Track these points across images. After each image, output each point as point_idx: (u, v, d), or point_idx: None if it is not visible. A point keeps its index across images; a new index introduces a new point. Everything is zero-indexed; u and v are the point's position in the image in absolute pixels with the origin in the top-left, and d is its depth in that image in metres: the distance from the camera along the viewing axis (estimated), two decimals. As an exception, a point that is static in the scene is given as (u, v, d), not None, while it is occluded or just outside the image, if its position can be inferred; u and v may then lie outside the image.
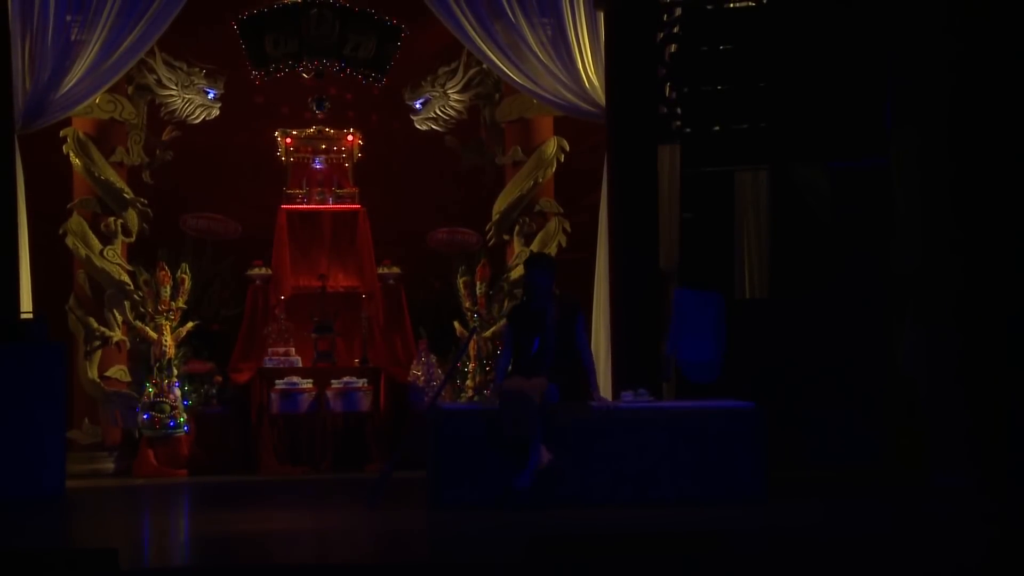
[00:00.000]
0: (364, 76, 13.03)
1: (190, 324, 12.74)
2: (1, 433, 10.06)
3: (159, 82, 13.23)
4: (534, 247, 13.26)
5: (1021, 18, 10.51)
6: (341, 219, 13.23)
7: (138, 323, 12.71)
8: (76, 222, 12.85)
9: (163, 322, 12.62)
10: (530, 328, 9.48)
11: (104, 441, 12.73)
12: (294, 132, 13.33)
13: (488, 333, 12.94)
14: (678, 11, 11.94)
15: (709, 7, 11.98)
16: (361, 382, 12.53)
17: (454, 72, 13.67)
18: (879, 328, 11.10)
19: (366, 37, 12.92)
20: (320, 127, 13.35)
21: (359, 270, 13.18)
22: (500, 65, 12.35)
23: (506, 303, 12.87)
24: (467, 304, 13.17)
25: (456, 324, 13.16)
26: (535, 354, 9.42)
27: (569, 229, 13.34)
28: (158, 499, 10.92)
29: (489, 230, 13.48)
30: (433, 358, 12.77)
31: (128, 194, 13.00)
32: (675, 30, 11.96)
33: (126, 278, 12.81)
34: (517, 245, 13.40)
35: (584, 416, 9.39)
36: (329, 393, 12.47)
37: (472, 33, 12.21)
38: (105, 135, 13.07)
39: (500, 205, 13.46)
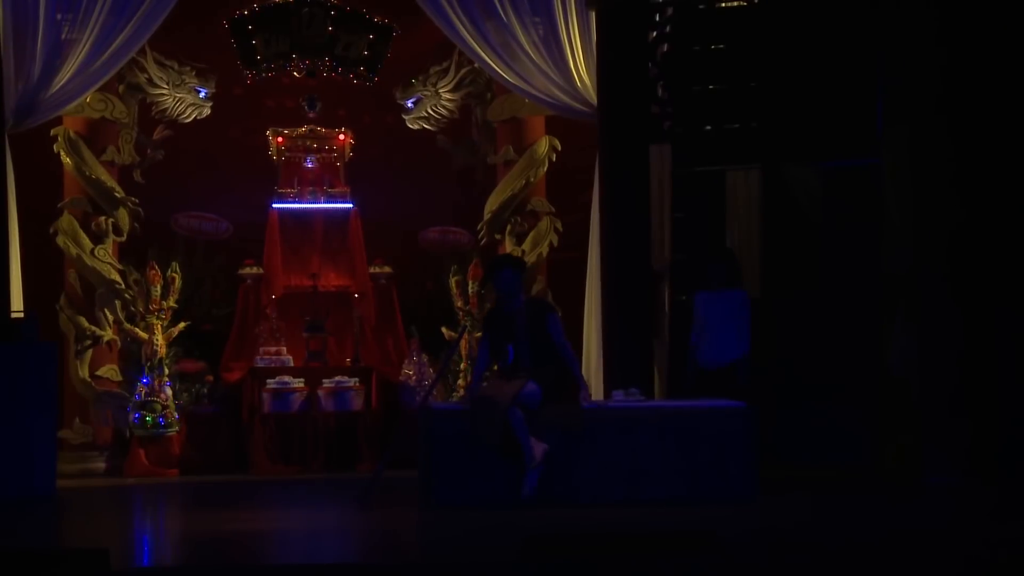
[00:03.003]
0: (355, 76, 13.02)
1: (182, 324, 12.72)
2: (-8, 433, 10.05)
3: (150, 81, 13.21)
4: (526, 246, 13.26)
5: (1011, 17, 10.52)
6: (333, 218, 13.20)
7: (128, 325, 12.69)
8: (67, 221, 12.82)
9: (154, 321, 12.60)
10: (505, 334, 9.49)
11: (95, 441, 12.71)
12: (285, 131, 13.30)
13: (479, 333, 12.92)
14: (670, 11, 11.95)
15: (701, 7, 12.00)
16: (353, 381, 12.51)
17: (446, 71, 13.65)
18: (871, 327, 11.11)
19: (357, 36, 12.91)
20: (312, 126, 13.32)
21: (351, 269, 13.16)
22: (492, 64, 12.36)
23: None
24: (459, 303, 13.16)
25: (444, 330, 13.12)
26: (512, 362, 9.43)
27: (561, 228, 13.34)
28: (149, 499, 10.92)
29: (481, 229, 13.47)
30: (425, 357, 12.76)
31: (119, 193, 12.97)
32: (667, 30, 11.97)
33: (117, 277, 12.79)
34: (509, 244, 13.39)
35: (575, 417, 9.39)
36: (321, 392, 12.45)
37: (464, 32, 12.22)
38: (96, 134, 13.04)
39: (492, 204, 13.45)
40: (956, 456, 10.34)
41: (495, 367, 9.99)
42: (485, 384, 9.65)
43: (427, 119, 13.72)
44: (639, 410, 9.65)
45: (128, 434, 12.39)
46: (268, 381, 12.41)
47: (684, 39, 11.96)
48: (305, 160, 13.29)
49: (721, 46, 11.90)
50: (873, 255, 11.09)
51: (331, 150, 13.35)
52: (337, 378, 12.51)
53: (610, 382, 11.25)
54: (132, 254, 12.96)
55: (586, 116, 12.19)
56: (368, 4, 13.04)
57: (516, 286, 9.55)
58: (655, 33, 11.97)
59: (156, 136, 13.39)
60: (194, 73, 13.27)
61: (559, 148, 13.36)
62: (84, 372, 12.75)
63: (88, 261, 12.78)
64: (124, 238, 13.01)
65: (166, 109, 13.33)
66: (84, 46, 11.83)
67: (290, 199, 13.19)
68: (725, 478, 9.44)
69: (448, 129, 13.79)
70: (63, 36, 11.87)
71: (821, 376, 11.47)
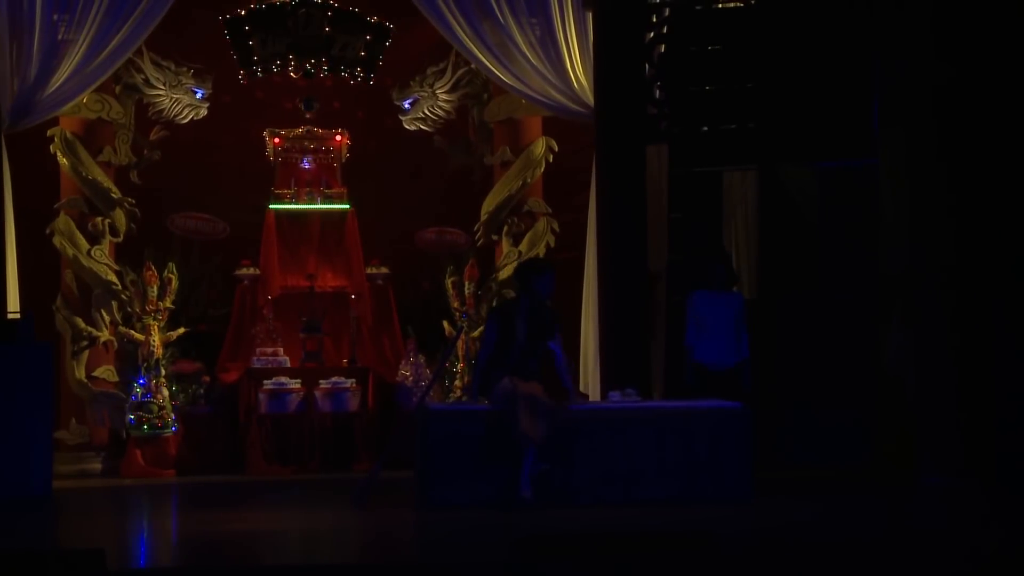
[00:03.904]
0: (352, 76, 13.03)
1: (181, 329, 12.72)
2: (-11, 433, 10.04)
3: (147, 81, 13.21)
4: (523, 247, 13.26)
5: (1007, 19, 10.53)
6: (329, 219, 13.21)
7: (123, 328, 12.69)
8: (63, 222, 12.82)
9: (150, 322, 12.59)
10: (537, 331, 9.44)
11: (91, 441, 12.70)
12: (282, 132, 13.31)
13: (476, 333, 12.93)
14: (667, 11, 11.95)
15: (698, 8, 12.00)
16: (349, 382, 12.51)
17: (443, 72, 13.66)
18: (868, 328, 11.11)
19: (354, 37, 12.93)
20: (309, 127, 13.33)
21: (347, 270, 13.17)
22: (488, 65, 12.37)
23: (494, 303, 12.86)
24: (455, 304, 13.17)
25: (445, 324, 13.15)
26: (560, 362, 9.52)
27: (558, 229, 13.35)
28: (146, 499, 10.91)
29: (478, 230, 13.48)
30: (421, 358, 12.76)
31: (115, 194, 12.97)
32: (663, 30, 11.97)
33: (113, 278, 12.79)
34: (506, 245, 13.40)
35: (571, 416, 9.39)
36: (317, 393, 12.45)
37: (460, 33, 12.23)
38: (93, 135, 13.04)
39: (489, 205, 13.46)
40: (952, 456, 10.34)
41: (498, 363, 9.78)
42: (519, 382, 9.24)
43: (424, 120, 13.73)
44: (636, 410, 9.64)
45: (124, 435, 12.39)
46: (265, 382, 12.41)
47: (681, 40, 11.96)
48: (302, 161, 13.30)
49: (718, 47, 11.91)
50: (870, 256, 11.10)
51: (328, 151, 13.35)
52: (334, 379, 12.51)
53: (607, 382, 11.26)
54: (128, 255, 12.95)
55: (583, 117, 12.20)
56: (365, 4, 13.05)
57: (551, 291, 9.59)
58: (652, 34, 11.98)
59: (153, 137, 13.38)
60: (191, 74, 13.27)
61: (556, 149, 13.37)
62: (80, 373, 12.74)
63: (84, 262, 12.78)
64: (120, 239, 13.01)
65: (163, 110, 13.33)
66: (81, 47, 11.84)
67: (287, 200, 13.20)
68: (721, 478, 9.43)
69: (445, 130, 13.80)
70: (60, 37, 11.87)
71: (817, 377, 11.46)
